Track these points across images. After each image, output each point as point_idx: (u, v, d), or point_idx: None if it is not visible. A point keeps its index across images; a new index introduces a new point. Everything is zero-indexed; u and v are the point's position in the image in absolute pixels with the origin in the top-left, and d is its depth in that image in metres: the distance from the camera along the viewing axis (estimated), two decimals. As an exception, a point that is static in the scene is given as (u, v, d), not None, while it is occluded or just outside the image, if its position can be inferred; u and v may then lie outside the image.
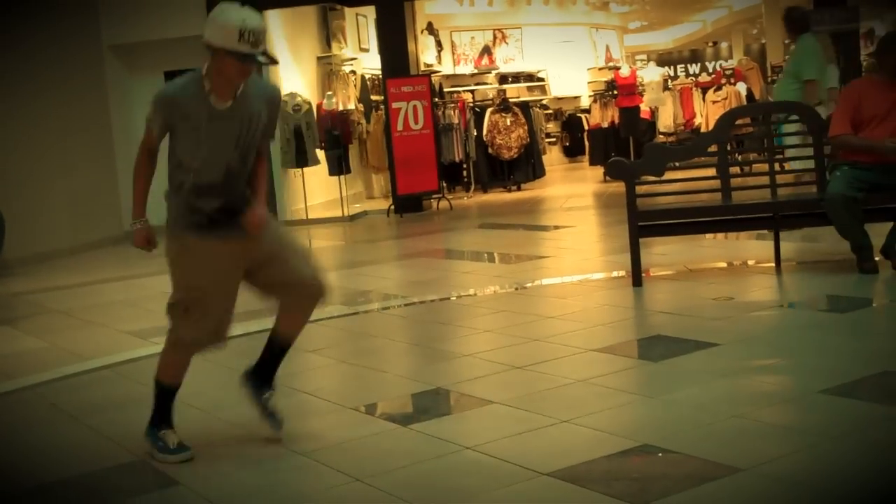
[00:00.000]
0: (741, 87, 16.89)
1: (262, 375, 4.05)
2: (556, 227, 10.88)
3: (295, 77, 14.09)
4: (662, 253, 7.70)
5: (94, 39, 13.12)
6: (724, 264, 7.39)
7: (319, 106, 14.02)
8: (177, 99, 3.72)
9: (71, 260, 11.38)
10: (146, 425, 3.96)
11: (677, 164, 7.33)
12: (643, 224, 6.55)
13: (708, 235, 8.15)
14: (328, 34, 15.40)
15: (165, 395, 3.97)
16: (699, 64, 27.21)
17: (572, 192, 14.72)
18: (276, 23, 13.42)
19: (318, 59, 15.14)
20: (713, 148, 6.82)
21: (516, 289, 7.11)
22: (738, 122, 9.77)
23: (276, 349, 4.07)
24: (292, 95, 13.34)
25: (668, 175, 6.86)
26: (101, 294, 8.63)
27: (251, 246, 3.84)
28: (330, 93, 14.47)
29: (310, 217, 13.21)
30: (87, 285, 9.27)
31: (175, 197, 3.83)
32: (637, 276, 6.53)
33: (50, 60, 12.02)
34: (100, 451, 4.11)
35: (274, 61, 3.75)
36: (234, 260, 3.83)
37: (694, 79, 19.95)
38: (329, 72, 15.24)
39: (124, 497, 3.57)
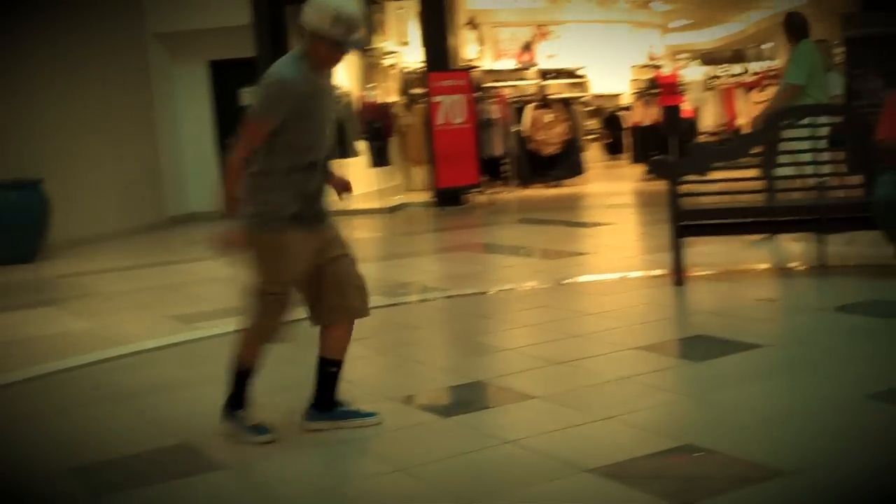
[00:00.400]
0: (785, 89, 16.70)
1: (324, 402, 4.05)
2: (596, 224, 10.85)
3: (337, 69, 14.10)
4: (704, 253, 7.66)
5: (139, 27, 13.24)
6: (766, 266, 7.34)
7: (361, 98, 14.06)
8: (295, 81, 3.73)
9: (115, 244, 11.53)
10: (223, 407, 3.98)
11: (718, 164, 7.28)
12: (685, 223, 6.52)
13: (751, 236, 8.09)
14: (370, 27, 15.43)
15: (243, 377, 3.98)
16: (742, 64, 26.96)
17: (613, 190, 14.67)
18: (320, 14, 13.46)
19: (361, 51, 15.18)
20: (757, 149, 6.79)
21: (556, 284, 7.10)
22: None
23: (326, 367, 4.05)
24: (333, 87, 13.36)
25: (710, 175, 6.82)
26: (145, 278, 8.73)
27: (324, 236, 3.91)
28: (371, 85, 14.51)
29: (350, 208, 13.25)
30: (131, 269, 9.38)
31: (280, 184, 3.77)
32: (678, 275, 6.50)
33: (95, 48, 12.16)
34: (143, 434, 4.17)
35: (364, 48, 3.86)
36: (312, 255, 3.88)
37: (737, 79, 19.80)
38: (370, 64, 15.28)
39: (168, 479, 3.62)
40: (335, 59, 3.80)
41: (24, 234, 10.18)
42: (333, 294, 3.92)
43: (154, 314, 6.96)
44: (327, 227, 3.95)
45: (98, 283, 8.50)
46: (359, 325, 6.04)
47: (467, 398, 4.51)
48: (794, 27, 8.36)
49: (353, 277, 3.97)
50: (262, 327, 3.92)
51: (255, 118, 3.77)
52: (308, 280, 3.91)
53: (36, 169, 10.70)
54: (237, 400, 3.97)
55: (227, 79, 13.85)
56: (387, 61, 15.78)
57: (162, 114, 13.54)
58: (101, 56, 12.32)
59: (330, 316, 3.97)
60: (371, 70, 15.22)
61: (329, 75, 3.93)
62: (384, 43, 15.71)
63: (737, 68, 23.55)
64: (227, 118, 13.91)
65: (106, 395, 4.88)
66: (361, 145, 13.69)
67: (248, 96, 13.69)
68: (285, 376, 4.63)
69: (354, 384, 4.82)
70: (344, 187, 4.08)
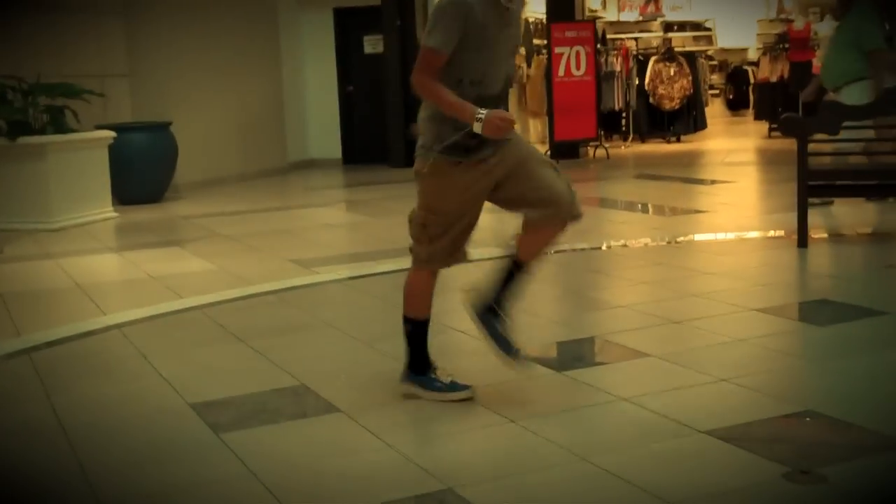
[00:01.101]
0: (923, 46, 15.97)
1: (491, 297, 3.80)
2: (715, 182, 10.61)
3: None
4: (828, 214, 7.42)
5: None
6: (894, 230, 7.07)
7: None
8: (472, 5, 3.42)
9: (238, 187, 11.80)
10: (403, 371, 3.85)
11: (850, 123, 7.02)
12: (813, 183, 6.32)
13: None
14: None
15: (417, 333, 3.83)
16: (878, 19, 25.83)
17: (734, 147, 14.31)
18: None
19: (483, 0, 15.06)
20: (893, 108, 6.51)
21: (671, 242, 6.98)
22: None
23: (510, 269, 3.81)
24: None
25: (841, 134, 6.58)
26: (266, 222, 8.92)
27: (503, 158, 3.59)
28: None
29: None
30: (253, 213, 9.59)
31: (438, 120, 3.52)
32: (803, 236, 6.31)
33: (224, -7, 12.36)
34: (262, 374, 4.27)
35: None
36: (486, 181, 3.61)
37: (872, 34, 18.97)
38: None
39: (285, 419, 3.70)
40: None
41: (152, 175, 10.49)
42: (530, 208, 3.66)
43: (274, 257, 7.11)
44: (507, 149, 3.58)
45: (221, 225, 8.71)
46: (472, 275, 6.07)
47: (580, 353, 4.50)
48: None
49: (551, 183, 3.63)
50: (415, 257, 3.73)
51: (427, 45, 3.46)
52: (500, 201, 3.71)
53: (165, 112, 10.99)
54: (418, 362, 3.82)
55: (352, 26, 13.94)
56: (509, 11, 15.62)
57: (287, 60, 13.72)
58: (231, 2, 12.52)
59: (533, 225, 3.71)
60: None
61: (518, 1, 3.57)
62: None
63: (872, 23, 22.60)
64: (351, 66, 14.02)
65: (229, 334, 5.01)
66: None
67: (370, 44, 13.77)
68: (398, 322, 4.68)
69: (466, 333, 4.85)
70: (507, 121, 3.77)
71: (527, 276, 3.83)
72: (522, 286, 3.84)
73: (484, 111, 3.41)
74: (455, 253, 3.75)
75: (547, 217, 3.65)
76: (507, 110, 3.58)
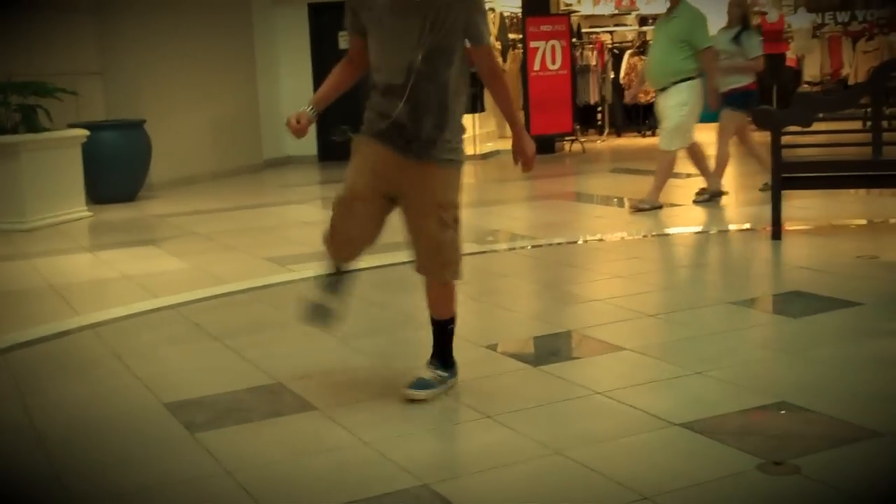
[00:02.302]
0: (894, 39, 16.10)
1: (443, 357, 3.84)
2: (690, 175, 10.62)
3: None
4: (802, 206, 7.47)
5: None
6: (867, 222, 7.12)
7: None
8: None
9: (212, 185, 11.74)
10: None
11: (823, 115, 7.06)
12: (787, 175, 6.36)
13: (850, 191, 7.86)
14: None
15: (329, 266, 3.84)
16: (850, 12, 26.02)
17: (709, 140, 14.33)
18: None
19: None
20: (865, 100, 6.56)
21: (647, 236, 7.01)
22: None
23: (436, 327, 3.87)
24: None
25: (813, 126, 6.63)
26: (240, 220, 8.88)
27: (415, 176, 3.58)
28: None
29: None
30: (228, 211, 9.55)
31: (370, 96, 3.64)
32: (777, 228, 6.35)
33: (197, -12, 12.28)
34: (237, 373, 4.25)
35: None
36: (389, 178, 3.60)
37: (844, 27, 19.11)
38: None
39: (261, 418, 3.68)
40: None
41: (125, 173, 10.41)
42: (412, 246, 3.71)
43: (249, 255, 7.08)
44: (422, 172, 3.57)
45: (195, 224, 8.67)
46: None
47: (556, 347, 4.50)
48: None
49: (427, 238, 3.63)
50: (328, 227, 3.75)
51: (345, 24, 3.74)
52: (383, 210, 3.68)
53: (138, 110, 10.92)
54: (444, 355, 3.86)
55: (327, 22, 13.89)
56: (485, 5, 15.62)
57: (262, 56, 13.65)
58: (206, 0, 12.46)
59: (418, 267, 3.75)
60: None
61: None
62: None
63: (844, 16, 22.73)
64: (326, 61, 13.96)
65: (204, 332, 4.98)
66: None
67: (346, 40, 13.73)
68: (374, 319, 4.68)
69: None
70: (524, 162, 3.75)
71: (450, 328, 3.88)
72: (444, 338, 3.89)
73: (304, 107, 3.68)
74: (343, 249, 3.78)
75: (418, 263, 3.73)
76: (430, 109, 3.52)
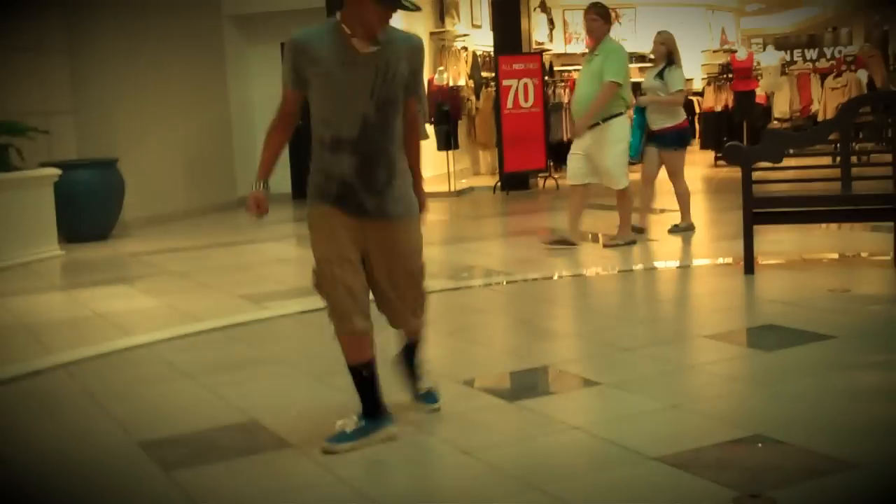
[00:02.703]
0: (862, 75, 16.35)
1: (367, 407, 3.72)
2: (663, 211, 10.71)
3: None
4: (774, 241, 7.53)
5: (215, 9, 13.38)
6: (838, 256, 7.19)
7: (431, 81, 14.07)
8: (308, 44, 3.50)
9: (186, 223, 11.70)
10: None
11: (792, 151, 7.15)
12: (758, 211, 6.42)
13: (822, 225, 7.95)
14: (442, 10, 15.43)
15: (357, 378, 3.71)
16: (818, 49, 26.43)
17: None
18: (390, -4, 13.48)
19: (431, 34, 15.17)
20: (833, 136, 6.66)
21: (621, 271, 7.04)
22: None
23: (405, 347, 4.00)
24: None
25: (784, 162, 6.71)
26: (215, 258, 8.85)
27: (382, 236, 3.60)
28: (441, 68, 14.51)
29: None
30: (202, 248, 9.51)
31: (314, 157, 3.60)
32: (749, 263, 6.40)
33: (171, 29, 12.32)
34: (212, 411, 4.22)
35: (417, 7, 3.49)
36: (358, 237, 3.58)
37: (812, 64, 19.40)
38: (441, 47, 15.27)
39: (236, 456, 3.66)
40: (384, 19, 3.46)
41: (98, 212, 10.37)
42: (381, 302, 3.76)
43: (223, 293, 7.05)
44: (387, 230, 3.60)
45: (169, 262, 8.63)
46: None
47: (532, 383, 4.50)
48: (607, 17, 7.93)
49: (398, 296, 3.70)
50: (330, 311, 3.61)
51: (283, 83, 3.61)
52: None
53: (111, 149, 10.90)
54: (366, 406, 3.70)
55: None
56: (457, 44, 15.76)
57: (235, 94, 13.68)
58: (177, 37, 12.48)
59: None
60: (441, 53, 15.21)
61: (384, 46, 3.51)
62: (455, 26, 15.69)
63: (812, 53, 23.08)
64: (298, 100, 14.00)
65: (178, 371, 4.95)
66: (430, 128, 13.70)
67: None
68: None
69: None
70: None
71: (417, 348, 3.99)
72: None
73: (255, 186, 3.66)
74: (355, 313, 3.60)
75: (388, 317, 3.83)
76: (385, 162, 3.54)
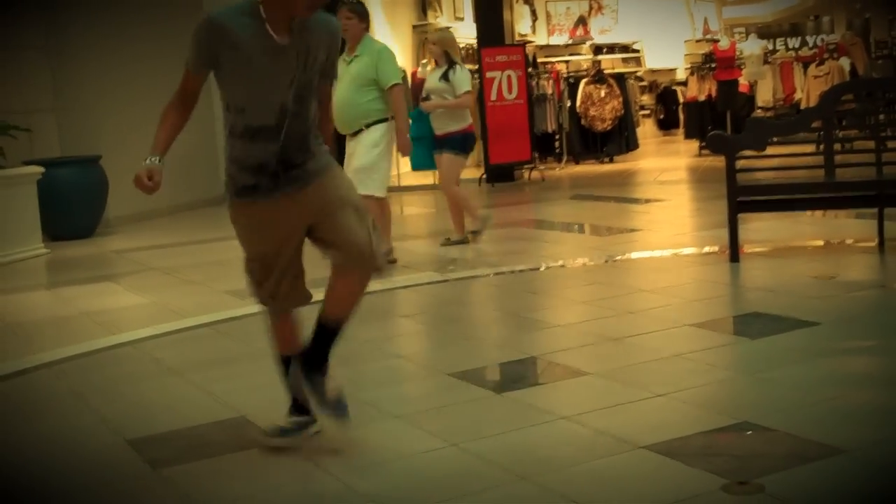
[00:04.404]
0: (844, 63, 16.42)
1: (313, 360, 3.55)
2: (649, 201, 10.76)
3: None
4: (759, 229, 7.56)
5: (196, 4, 13.31)
6: (823, 242, 7.23)
7: (414, 74, 14.06)
8: (225, 25, 3.26)
9: (170, 220, 11.67)
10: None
11: (776, 139, 7.18)
12: (742, 199, 6.44)
13: (806, 213, 7.98)
14: (424, 3, 15.41)
15: (284, 366, 3.69)
16: (800, 38, 26.52)
17: (666, 166, 14.52)
18: (373, -10, 13.46)
19: (414, 27, 15.18)
20: (816, 124, 6.69)
21: (608, 261, 7.06)
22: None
23: (325, 331, 3.55)
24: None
25: (768, 150, 6.74)
26: (200, 254, 8.82)
27: (310, 199, 3.42)
28: (424, 61, 14.48)
29: (401, 184, 13.28)
30: (186, 245, 9.48)
31: (227, 146, 3.46)
32: (735, 251, 6.43)
33: (152, 24, 12.25)
34: (200, 407, 4.22)
35: None
36: (290, 220, 3.43)
37: (795, 53, 19.47)
38: (424, 40, 15.24)
39: (225, 452, 3.65)
40: (314, 7, 3.29)
41: (82, 210, 10.32)
42: (335, 255, 3.46)
43: (209, 289, 7.03)
44: (312, 191, 3.42)
45: (154, 259, 8.61)
46: (410, 301, 6.09)
47: (520, 374, 4.51)
48: (364, 15, 7.12)
49: (350, 231, 3.42)
50: (258, 302, 3.60)
51: (186, 62, 3.40)
52: (314, 240, 3.50)
53: (94, 145, 10.85)
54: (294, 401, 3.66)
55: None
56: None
57: (218, 90, 13.62)
58: (158, 33, 12.40)
59: (337, 273, 3.49)
60: (424, 45, 15.19)
61: (302, 31, 3.32)
62: (438, 18, 15.67)
63: (794, 42, 23.16)
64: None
65: (166, 368, 4.95)
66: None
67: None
68: (337, 351, 4.65)
69: (407, 359, 4.86)
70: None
71: (339, 333, 3.58)
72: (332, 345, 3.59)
73: (148, 160, 3.47)
74: (279, 295, 3.55)
75: (344, 264, 3.45)
76: (303, 147, 3.40)
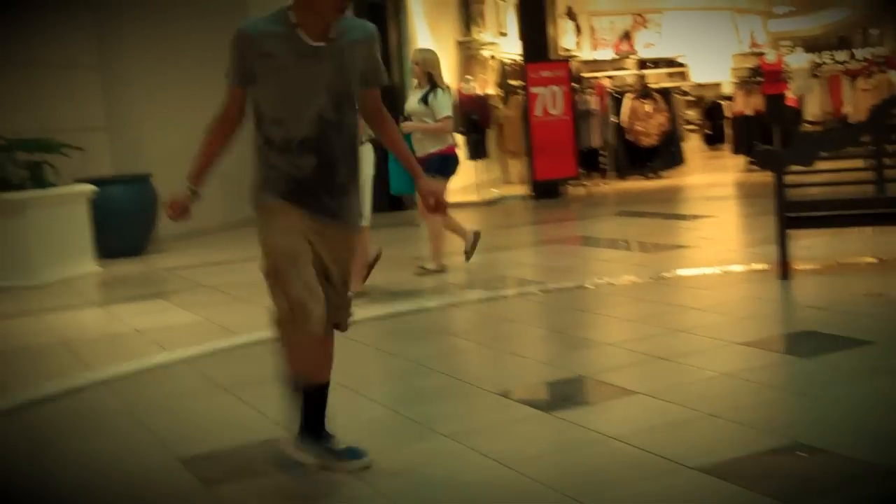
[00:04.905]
0: (893, 76, 16.24)
1: (313, 427, 3.52)
2: (696, 217, 10.69)
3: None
4: (808, 246, 7.48)
5: (243, 18, 13.47)
6: (874, 259, 7.13)
7: (459, 90, 14.10)
8: (255, 34, 3.22)
9: (220, 237, 11.77)
10: (298, 436, 3.52)
11: (825, 153, 7.10)
12: (791, 215, 6.38)
13: (856, 228, 7.88)
14: (468, 18, 15.47)
15: (307, 395, 3.51)
16: (848, 51, 26.26)
17: (713, 181, 14.43)
18: (417, 7, 13.54)
19: (458, 43, 15.23)
20: (866, 138, 6.61)
21: (655, 278, 7.02)
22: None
23: (308, 394, 3.49)
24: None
25: (816, 165, 6.67)
26: (250, 271, 8.76)
27: (320, 236, 3.33)
28: (469, 77, 14.53)
29: (447, 201, 13.28)
30: (237, 262, 9.57)
31: (261, 157, 3.35)
32: (784, 268, 6.37)
33: (202, 42, 12.41)
34: (253, 425, 4.25)
35: None
36: (306, 233, 3.31)
37: (843, 66, 19.27)
38: (468, 56, 15.30)
39: (275, 470, 3.68)
40: (341, 8, 3.19)
41: (132, 228, 10.47)
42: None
43: (259, 307, 7.04)
44: (336, 232, 3.37)
45: (205, 276, 8.70)
46: (458, 318, 6.09)
47: (568, 393, 4.50)
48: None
49: (338, 295, 3.42)
50: (279, 319, 3.32)
51: (226, 78, 3.34)
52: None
53: (145, 164, 11.00)
54: (311, 426, 3.49)
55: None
56: (485, 52, 15.78)
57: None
58: (208, 51, 12.54)
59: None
60: (469, 61, 15.24)
61: (337, 37, 3.25)
62: (482, 34, 15.72)
63: (842, 55, 22.91)
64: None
65: (216, 386, 4.99)
66: (459, 138, 13.73)
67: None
68: (385, 368, 4.68)
69: (455, 377, 4.86)
70: (433, 199, 3.55)
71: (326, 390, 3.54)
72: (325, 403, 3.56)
73: (186, 187, 3.47)
74: (309, 310, 3.28)
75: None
76: (345, 159, 3.33)
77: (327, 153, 3.28)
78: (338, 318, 3.50)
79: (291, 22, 3.21)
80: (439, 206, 3.57)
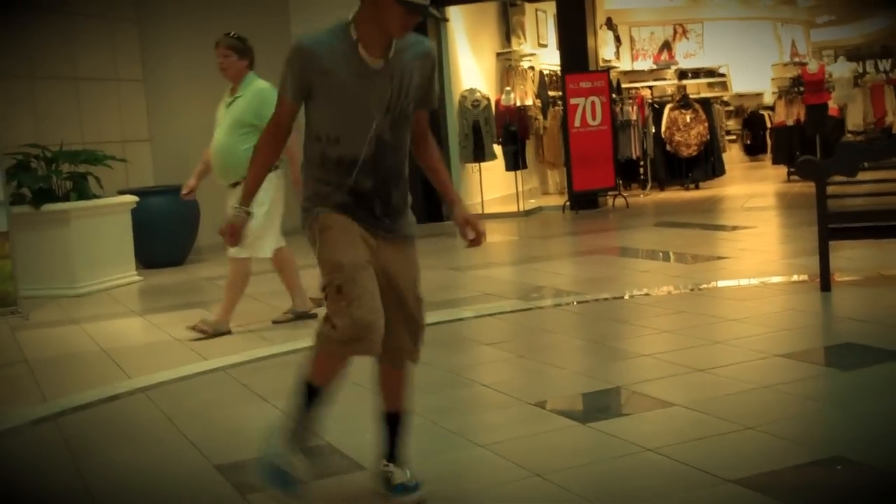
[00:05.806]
0: (938, 85, 16.03)
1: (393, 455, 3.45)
2: (736, 228, 10.60)
3: (475, 72, 14.22)
4: (850, 257, 7.40)
5: (283, 33, 13.58)
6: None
7: (498, 101, 14.12)
8: (316, 50, 3.10)
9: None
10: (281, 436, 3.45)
11: (867, 164, 7.03)
12: (833, 226, 6.32)
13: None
14: (508, 30, 15.49)
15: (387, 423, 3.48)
16: (890, 60, 25.95)
17: (753, 192, 14.31)
18: (457, 18, 13.57)
19: (498, 54, 15.25)
20: (911, 149, 6.54)
21: (694, 289, 6.97)
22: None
23: (389, 422, 3.47)
24: (472, 91, 13.52)
25: (859, 176, 6.59)
26: (287, 281, 8.93)
27: (380, 252, 3.23)
28: (508, 88, 14.54)
29: (486, 211, 13.32)
30: (275, 272, 9.61)
31: (314, 173, 3.26)
32: (826, 280, 6.30)
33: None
34: (288, 433, 4.26)
35: (445, 18, 3.23)
36: (367, 248, 3.20)
37: (885, 75, 19.05)
38: (508, 67, 15.31)
39: (312, 477, 3.69)
40: (407, 27, 3.07)
41: (175, 238, 10.57)
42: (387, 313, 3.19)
43: (296, 316, 7.11)
44: (397, 250, 3.26)
45: (243, 286, 8.74)
46: (495, 328, 6.08)
47: (605, 404, 4.48)
48: (243, 51, 6.75)
49: (409, 317, 3.30)
50: (330, 334, 3.17)
51: (279, 92, 3.26)
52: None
53: (186, 175, 11.06)
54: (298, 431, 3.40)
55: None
56: (524, 63, 15.79)
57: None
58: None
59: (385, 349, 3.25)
60: (508, 72, 15.25)
61: (397, 55, 3.14)
62: (522, 45, 15.73)
63: (885, 64, 22.65)
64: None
65: (253, 394, 5.02)
66: (497, 149, 13.74)
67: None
68: (423, 378, 4.67)
69: (491, 388, 4.86)
70: (473, 235, 3.30)
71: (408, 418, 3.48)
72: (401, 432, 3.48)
73: (234, 210, 3.39)
74: (371, 329, 3.14)
75: (390, 341, 3.23)
76: (398, 180, 3.25)
77: (384, 175, 3.20)
78: (407, 347, 3.34)
79: (352, 38, 3.10)
80: (479, 238, 3.30)
